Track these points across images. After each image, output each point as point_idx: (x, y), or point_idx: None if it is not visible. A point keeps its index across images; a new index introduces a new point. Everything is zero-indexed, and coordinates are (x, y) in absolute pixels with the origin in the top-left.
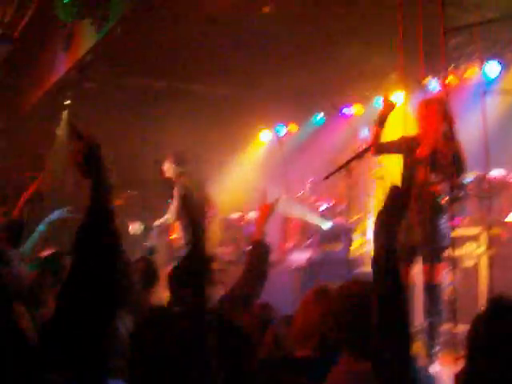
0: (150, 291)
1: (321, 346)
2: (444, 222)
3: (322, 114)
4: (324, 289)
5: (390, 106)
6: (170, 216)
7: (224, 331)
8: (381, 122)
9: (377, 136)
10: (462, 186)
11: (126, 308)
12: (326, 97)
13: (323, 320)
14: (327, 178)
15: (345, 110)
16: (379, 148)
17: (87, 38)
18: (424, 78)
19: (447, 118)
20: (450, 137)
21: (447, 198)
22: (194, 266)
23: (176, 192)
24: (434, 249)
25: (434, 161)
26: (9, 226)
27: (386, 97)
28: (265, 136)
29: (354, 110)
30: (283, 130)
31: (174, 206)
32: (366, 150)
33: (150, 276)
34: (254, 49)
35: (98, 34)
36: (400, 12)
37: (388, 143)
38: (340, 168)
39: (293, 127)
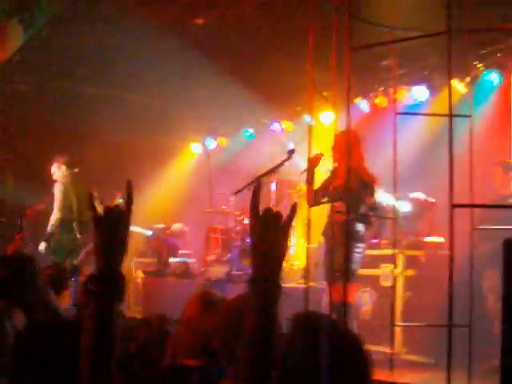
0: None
1: (207, 355)
2: (358, 246)
3: (251, 130)
4: (211, 299)
5: (315, 160)
6: (56, 215)
7: None
8: (310, 178)
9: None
10: (375, 208)
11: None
12: (257, 111)
13: (211, 333)
14: (237, 192)
15: (274, 126)
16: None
17: (15, 39)
18: (355, 98)
19: (359, 149)
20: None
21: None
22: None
23: (57, 188)
24: (347, 270)
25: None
26: None
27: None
28: (195, 148)
29: (284, 125)
30: (212, 143)
31: (57, 202)
32: (278, 166)
33: (57, 282)
34: (188, 58)
35: (25, 35)
36: (311, 29)
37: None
38: (251, 182)
39: (222, 141)
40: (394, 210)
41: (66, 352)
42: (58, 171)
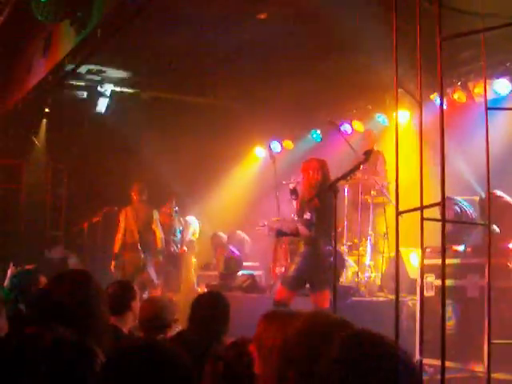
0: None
1: None
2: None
3: (319, 131)
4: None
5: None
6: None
7: None
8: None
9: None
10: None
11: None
12: (325, 112)
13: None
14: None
15: (344, 127)
16: None
17: (66, 41)
18: (431, 94)
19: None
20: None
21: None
22: None
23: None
24: (319, 279)
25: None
26: None
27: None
28: (260, 152)
29: (354, 126)
30: (278, 147)
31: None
32: (354, 169)
33: (121, 302)
34: (253, 60)
35: (77, 36)
36: (394, 19)
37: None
38: (326, 188)
39: (288, 144)
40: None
41: None
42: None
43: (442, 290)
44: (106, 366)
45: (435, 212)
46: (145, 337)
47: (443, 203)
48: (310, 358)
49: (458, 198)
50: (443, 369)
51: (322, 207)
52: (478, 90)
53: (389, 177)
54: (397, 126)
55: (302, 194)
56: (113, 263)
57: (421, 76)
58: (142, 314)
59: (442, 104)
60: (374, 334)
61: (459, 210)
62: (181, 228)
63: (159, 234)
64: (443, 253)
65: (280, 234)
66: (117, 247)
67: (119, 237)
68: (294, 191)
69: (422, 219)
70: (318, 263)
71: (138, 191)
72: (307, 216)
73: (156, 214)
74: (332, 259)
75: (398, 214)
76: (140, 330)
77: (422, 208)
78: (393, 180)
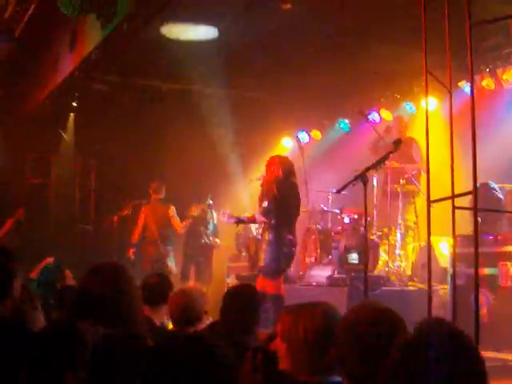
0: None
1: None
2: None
3: (347, 121)
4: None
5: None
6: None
7: None
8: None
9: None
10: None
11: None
12: (352, 102)
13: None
14: (340, 191)
15: (372, 116)
16: None
17: (93, 36)
18: (459, 82)
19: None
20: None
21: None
22: None
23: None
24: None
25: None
26: None
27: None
28: (287, 142)
29: (382, 115)
30: (306, 137)
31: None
32: (384, 159)
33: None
34: (278, 51)
35: (103, 30)
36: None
37: None
38: (356, 178)
39: (316, 134)
40: None
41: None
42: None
43: (475, 279)
44: (156, 358)
45: (466, 200)
46: (175, 329)
47: (475, 192)
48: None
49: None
50: None
51: (281, 198)
52: (507, 76)
53: (423, 165)
54: (427, 114)
55: (264, 187)
56: (131, 250)
57: (450, 63)
58: (173, 306)
59: (472, 91)
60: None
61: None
62: (214, 220)
63: (178, 227)
64: (476, 241)
65: (238, 221)
66: (135, 239)
67: (138, 230)
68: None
69: (454, 208)
70: (277, 250)
71: (155, 189)
72: (264, 204)
73: (173, 211)
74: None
75: (430, 203)
76: (170, 322)
77: (453, 197)
78: (433, 167)
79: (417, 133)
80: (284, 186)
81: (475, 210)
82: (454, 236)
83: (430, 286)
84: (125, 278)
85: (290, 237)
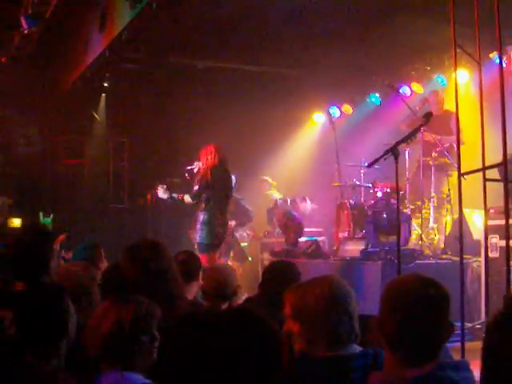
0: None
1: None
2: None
3: (377, 95)
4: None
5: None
6: None
7: None
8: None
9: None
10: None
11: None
12: (383, 75)
13: None
14: (371, 165)
15: (403, 89)
16: None
17: (122, 16)
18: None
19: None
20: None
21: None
22: None
23: None
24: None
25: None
26: None
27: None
28: (318, 117)
29: (413, 88)
30: (337, 112)
31: None
32: (416, 131)
33: (190, 270)
34: (308, 26)
35: (133, 10)
36: None
37: None
38: (387, 152)
39: (347, 108)
40: None
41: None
42: None
43: (507, 251)
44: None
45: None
46: (209, 306)
47: (505, 163)
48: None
49: None
50: None
51: (214, 183)
52: None
53: (464, 137)
54: (456, 88)
55: (200, 173)
56: None
57: (479, 35)
58: (206, 283)
59: (501, 62)
60: None
61: None
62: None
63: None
64: (506, 213)
65: (171, 198)
66: None
67: None
68: (190, 172)
69: (485, 180)
70: (210, 229)
71: None
72: (195, 188)
73: None
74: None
75: (461, 175)
76: (204, 299)
77: (484, 169)
78: (467, 140)
79: (448, 105)
80: (218, 173)
81: (505, 181)
82: (486, 208)
83: (461, 259)
84: (163, 255)
85: (222, 217)
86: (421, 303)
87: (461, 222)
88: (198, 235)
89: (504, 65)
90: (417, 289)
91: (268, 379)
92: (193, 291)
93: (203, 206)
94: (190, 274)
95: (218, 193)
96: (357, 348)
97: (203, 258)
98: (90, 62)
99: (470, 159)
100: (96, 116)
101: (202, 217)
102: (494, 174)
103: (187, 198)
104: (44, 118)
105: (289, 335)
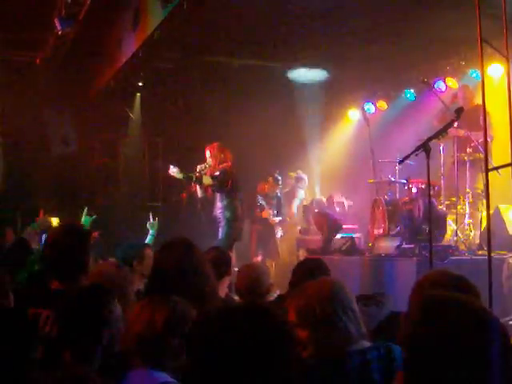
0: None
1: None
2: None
3: (412, 90)
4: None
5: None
6: None
7: None
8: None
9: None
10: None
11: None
12: (418, 71)
13: None
14: (403, 161)
15: (438, 84)
16: None
17: (154, 15)
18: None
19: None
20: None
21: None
22: None
23: None
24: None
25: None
26: None
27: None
28: (353, 114)
29: (448, 83)
30: (372, 108)
31: None
32: (447, 127)
33: (220, 267)
34: (343, 21)
35: (164, 10)
36: None
37: None
38: (418, 148)
39: (382, 104)
40: None
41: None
42: None
43: None
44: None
45: None
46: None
47: None
48: None
49: None
50: None
51: (236, 184)
52: None
53: (493, 131)
54: (483, 83)
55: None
56: None
57: (507, 29)
58: (239, 281)
59: None
60: (459, 297)
61: None
62: (278, 195)
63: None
64: None
65: (186, 178)
66: None
67: None
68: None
69: None
70: (232, 226)
71: None
72: (216, 173)
73: None
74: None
75: (488, 170)
76: (238, 295)
77: None
78: (496, 134)
79: (479, 100)
80: (236, 174)
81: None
82: None
83: (489, 254)
84: (196, 253)
85: (242, 215)
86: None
87: (488, 218)
88: (222, 232)
89: None
90: (446, 285)
91: (278, 374)
92: (224, 287)
93: (225, 203)
94: (221, 271)
95: (238, 192)
96: (366, 343)
97: None
98: (124, 61)
99: (505, 154)
100: (131, 115)
101: (224, 214)
102: None
103: (207, 180)
104: (79, 117)
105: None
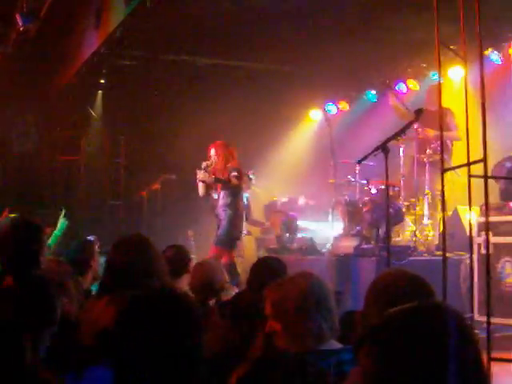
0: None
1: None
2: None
3: (374, 91)
4: None
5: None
6: None
7: None
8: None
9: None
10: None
11: None
12: (379, 72)
13: None
14: (361, 161)
15: (399, 86)
16: None
17: (117, 12)
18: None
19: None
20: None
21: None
22: None
23: None
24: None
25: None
26: None
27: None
28: (315, 114)
29: (409, 85)
30: (334, 109)
31: None
32: (405, 128)
33: (178, 264)
34: (303, 21)
35: (128, 7)
36: None
37: None
38: (377, 148)
39: (343, 105)
40: None
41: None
42: None
43: (487, 247)
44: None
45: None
46: (197, 300)
47: (485, 160)
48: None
49: None
50: (488, 324)
51: (241, 183)
52: None
53: (461, 132)
54: (439, 86)
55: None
56: None
57: (464, 32)
58: (193, 278)
59: (481, 60)
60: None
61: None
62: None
63: None
64: (486, 210)
65: (216, 181)
66: None
67: None
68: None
69: (470, 176)
70: (234, 223)
71: None
72: (234, 174)
73: None
74: None
75: (444, 171)
76: (193, 293)
77: (468, 164)
78: (464, 136)
79: (445, 102)
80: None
81: (485, 177)
82: (470, 204)
83: (444, 255)
84: (150, 250)
85: (243, 214)
86: (403, 298)
87: (443, 218)
88: (223, 229)
89: (500, 61)
90: (401, 284)
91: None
92: (183, 285)
93: (229, 201)
94: (180, 269)
95: (242, 191)
96: (337, 344)
97: (224, 253)
98: (86, 58)
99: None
100: (92, 113)
101: (227, 212)
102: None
103: (235, 181)
104: (40, 114)
105: (272, 333)
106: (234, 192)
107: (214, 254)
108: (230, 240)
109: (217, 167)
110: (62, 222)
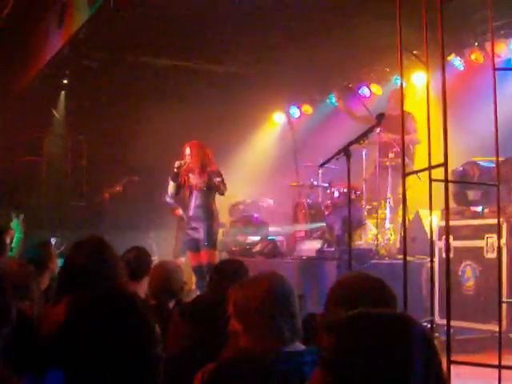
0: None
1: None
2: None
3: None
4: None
5: None
6: None
7: None
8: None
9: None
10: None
11: None
12: (342, 76)
13: None
14: (323, 165)
15: (362, 90)
16: None
17: (81, 13)
18: (448, 55)
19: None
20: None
21: None
22: None
23: None
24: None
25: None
26: None
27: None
28: (278, 118)
29: (372, 89)
30: (297, 112)
31: None
32: (367, 133)
33: (138, 268)
34: (267, 24)
35: (91, 8)
36: None
37: None
38: (339, 152)
39: (307, 109)
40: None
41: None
42: None
43: (446, 251)
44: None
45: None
46: (156, 302)
47: (446, 164)
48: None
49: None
50: (448, 327)
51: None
52: (495, 49)
53: (420, 136)
54: (402, 91)
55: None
56: None
57: (427, 38)
58: (151, 280)
59: (443, 67)
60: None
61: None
62: None
63: None
64: (446, 213)
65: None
66: None
67: None
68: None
69: (431, 180)
70: (216, 224)
71: None
72: (218, 180)
73: None
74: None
75: (405, 175)
76: (151, 295)
77: (429, 168)
78: (423, 139)
79: (408, 106)
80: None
81: (446, 181)
82: (431, 208)
83: (405, 258)
84: (107, 252)
85: None
86: (363, 301)
87: (404, 223)
88: (209, 230)
89: (462, 67)
90: (361, 287)
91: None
92: (144, 287)
93: (207, 201)
94: (141, 271)
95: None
96: (300, 345)
97: (212, 254)
98: (49, 58)
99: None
100: (55, 113)
101: (208, 213)
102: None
103: (222, 187)
104: (2, 115)
105: (234, 333)
106: (210, 192)
107: (211, 258)
108: (214, 241)
109: (189, 167)
110: (15, 222)
